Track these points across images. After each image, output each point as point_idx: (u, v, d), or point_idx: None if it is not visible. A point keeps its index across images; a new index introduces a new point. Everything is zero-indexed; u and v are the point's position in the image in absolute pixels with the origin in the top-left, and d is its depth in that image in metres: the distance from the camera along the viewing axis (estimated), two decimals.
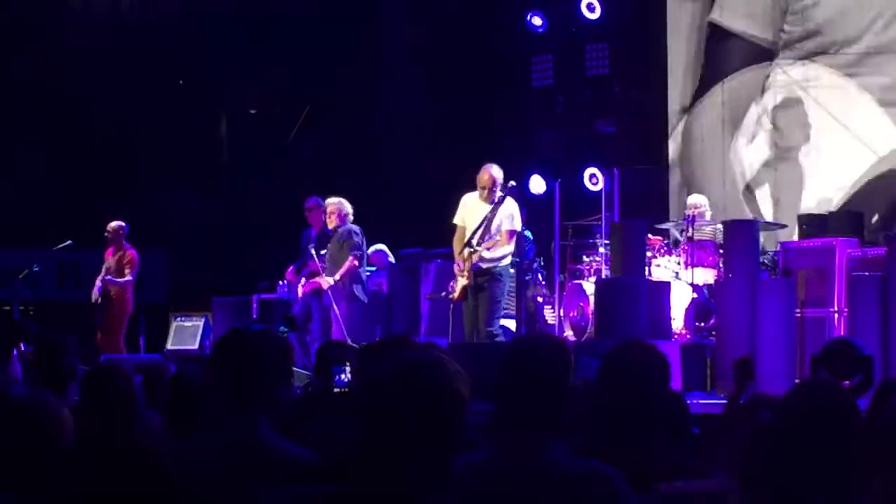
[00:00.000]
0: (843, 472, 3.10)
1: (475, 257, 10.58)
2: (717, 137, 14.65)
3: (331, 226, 12.36)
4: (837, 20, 13.78)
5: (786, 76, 14.09)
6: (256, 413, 3.85)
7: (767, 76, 14.25)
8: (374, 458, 2.55)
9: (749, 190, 14.37)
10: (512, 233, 10.75)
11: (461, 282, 10.73)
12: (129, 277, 13.52)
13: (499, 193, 10.72)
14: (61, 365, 5.27)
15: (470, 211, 10.84)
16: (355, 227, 12.30)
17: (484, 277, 10.64)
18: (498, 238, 10.65)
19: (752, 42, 14.38)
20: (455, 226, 10.99)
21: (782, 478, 3.09)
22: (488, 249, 10.60)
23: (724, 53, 14.64)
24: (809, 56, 13.95)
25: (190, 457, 3.80)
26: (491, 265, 10.66)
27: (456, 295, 10.84)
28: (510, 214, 10.72)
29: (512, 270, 11.54)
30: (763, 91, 14.27)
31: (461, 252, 10.70)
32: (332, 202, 12.45)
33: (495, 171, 10.72)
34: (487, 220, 10.61)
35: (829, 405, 3.16)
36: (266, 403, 3.86)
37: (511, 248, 10.88)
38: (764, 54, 14.29)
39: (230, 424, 3.84)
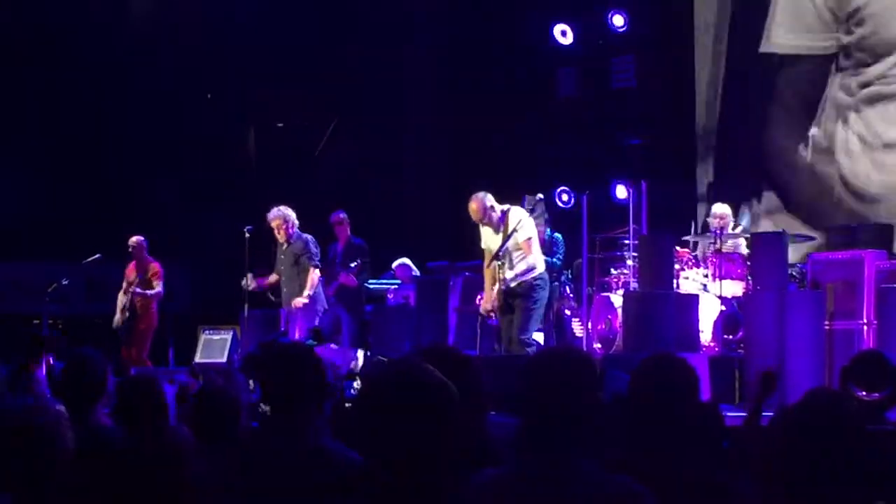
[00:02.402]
0: (852, 481, 3.09)
1: (502, 277, 10.44)
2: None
3: (281, 240, 12.01)
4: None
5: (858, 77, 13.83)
6: (307, 420, 3.94)
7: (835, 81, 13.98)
8: (382, 459, 2.69)
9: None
10: (529, 241, 10.51)
11: (493, 297, 10.59)
12: (158, 289, 13.54)
13: (497, 214, 10.55)
14: (85, 383, 5.09)
15: (488, 239, 10.72)
16: (309, 237, 12.05)
17: (515, 296, 10.51)
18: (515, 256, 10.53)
19: (814, 55, 14.12)
20: (483, 251, 10.90)
21: (796, 486, 3.09)
22: (512, 274, 10.48)
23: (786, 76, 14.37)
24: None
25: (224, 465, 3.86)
26: (520, 281, 10.52)
27: (491, 309, 10.70)
28: (519, 223, 10.48)
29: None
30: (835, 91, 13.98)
31: (489, 268, 10.63)
32: (273, 216, 11.94)
33: (478, 202, 10.53)
34: (505, 244, 10.43)
35: (832, 414, 3.16)
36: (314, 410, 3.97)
37: (536, 255, 10.62)
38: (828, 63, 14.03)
39: (281, 432, 3.92)
